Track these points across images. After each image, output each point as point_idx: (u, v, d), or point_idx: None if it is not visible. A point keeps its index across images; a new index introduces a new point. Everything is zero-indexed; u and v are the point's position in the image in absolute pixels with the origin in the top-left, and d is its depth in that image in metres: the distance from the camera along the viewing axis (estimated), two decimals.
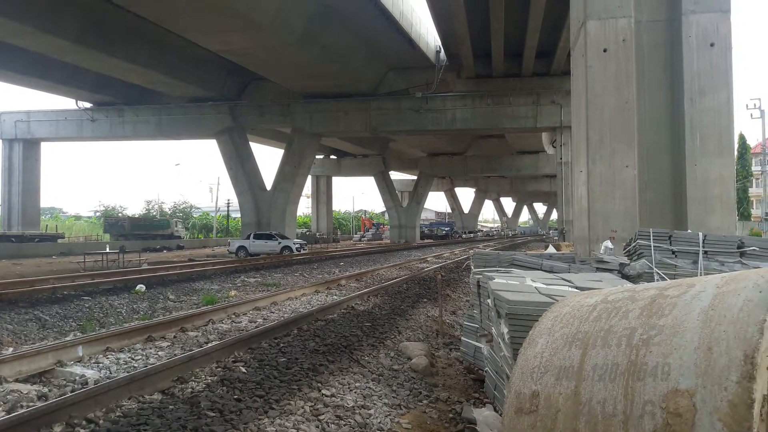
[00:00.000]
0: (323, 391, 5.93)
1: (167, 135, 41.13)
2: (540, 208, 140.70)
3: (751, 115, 41.99)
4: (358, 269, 22.88)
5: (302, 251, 32.48)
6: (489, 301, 5.69)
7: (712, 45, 12.10)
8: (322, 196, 67.38)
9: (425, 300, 13.58)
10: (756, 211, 63.05)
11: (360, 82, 35.04)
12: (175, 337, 9.04)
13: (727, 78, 12.17)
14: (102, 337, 8.12)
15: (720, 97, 12.11)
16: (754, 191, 65.01)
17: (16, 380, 6.36)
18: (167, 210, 76.64)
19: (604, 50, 12.12)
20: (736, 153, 43.42)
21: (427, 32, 33.73)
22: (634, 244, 8.05)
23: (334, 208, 76.33)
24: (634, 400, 2.46)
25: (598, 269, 7.61)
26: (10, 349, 8.19)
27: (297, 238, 37.20)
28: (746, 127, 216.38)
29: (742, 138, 58.06)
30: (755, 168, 62.03)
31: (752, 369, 2.09)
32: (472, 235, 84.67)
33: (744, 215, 54.81)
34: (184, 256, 33.00)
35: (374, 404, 5.77)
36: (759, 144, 50.56)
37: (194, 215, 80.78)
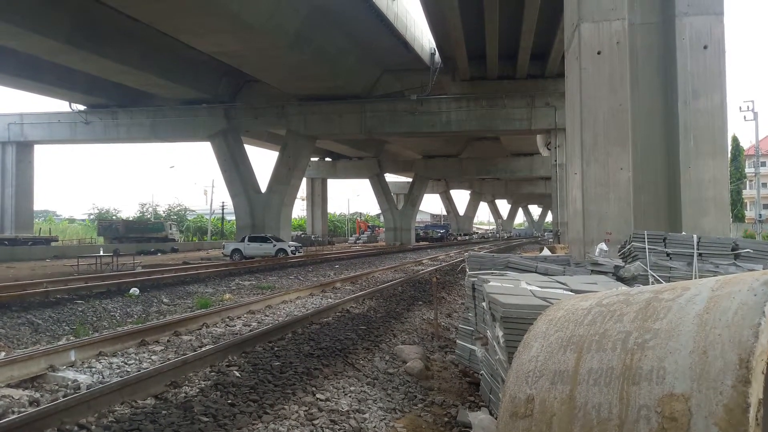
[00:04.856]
0: (318, 396, 5.90)
1: (161, 137, 40.98)
2: (535, 210, 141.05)
3: (745, 117, 42.11)
4: (353, 272, 22.83)
5: (297, 254, 32.42)
6: (484, 304, 5.68)
7: (705, 47, 12.16)
8: (317, 198, 67.35)
9: (420, 303, 13.56)
10: (750, 213, 63.33)
11: (355, 84, 35.02)
12: (168, 341, 8.99)
13: (721, 80, 12.22)
14: (95, 342, 8.06)
15: (713, 99, 12.16)
16: (747, 193, 65.34)
17: (8, 385, 6.30)
18: (161, 213, 76.36)
19: (598, 52, 12.15)
20: (729, 155, 43.59)
21: (421, 34, 33.76)
22: (628, 247, 8.06)
23: (329, 211, 76.30)
24: (629, 404, 2.44)
25: (592, 272, 7.61)
26: (2, 353, 8.11)
27: (292, 241, 37.12)
28: (739, 129, 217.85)
29: (735, 140, 58.39)
30: (749, 170, 62.32)
31: (747, 373, 2.08)
32: (467, 237, 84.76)
33: (738, 217, 55.07)
34: (179, 259, 32.86)
35: (369, 408, 5.74)
36: (752, 146, 50.80)
37: (189, 218, 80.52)
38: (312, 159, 53.98)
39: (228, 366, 6.97)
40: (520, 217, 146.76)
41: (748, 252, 7.46)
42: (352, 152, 58.84)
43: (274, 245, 32.21)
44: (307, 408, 5.52)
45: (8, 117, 42.22)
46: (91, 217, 75.54)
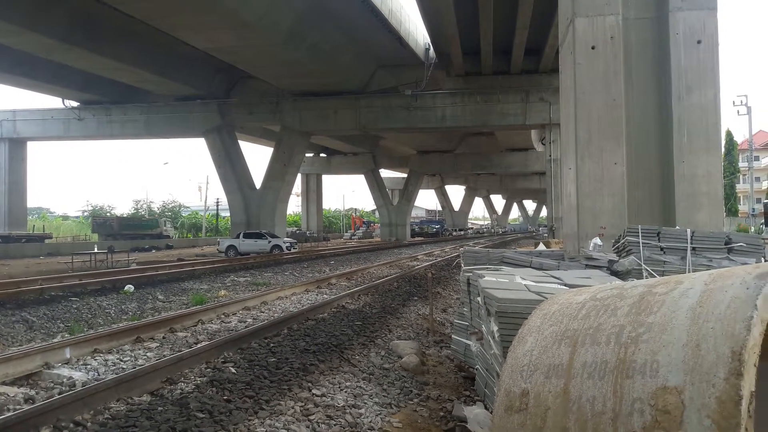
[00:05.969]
0: (314, 391, 5.91)
1: (155, 134, 40.83)
2: (530, 205, 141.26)
3: (738, 112, 42.51)
4: (348, 268, 22.84)
5: (292, 250, 32.39)
6: (479, 299, 5.69)
7: (699, 42, 12.17)
8: (312, 194, 67.28)
9: (416, 298, 13.58)
10: (743, 207, 63.65)
11: (349, 79, 34.96)
12: (164, 337, 8.98)
13: (714, 75, 12.23)
14: (90, 339, 8.05)
15: (707, 94, 12.18)
16: (741, 187, 65.63)
17: (3, 383, 6.28)
18: (156, 209, 76.10)
19: (592, 47, 12.15)
20: (723, 149, 43.85)
21: (416, 30, 33.70)
22: (622, 241, 8.09)
23: (324, 207, 76.24)
24: (623, 397, 2.46)
25: (587, 266, 7.64)
26: None
27: (287, 237, 37.09)
28: (733, 123, 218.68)
29: (729, 134, 58.66)
30: (742, 164, 62.62)
31: (740, 366, 2.09)
32: (462, 232, 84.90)
33: (731, 211, 55.34)
34: (174, 256, 32.79)
35: (365, 403, 5.75)
36: (746, 140, 51.01)
37: (183, 214, 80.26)
38: (307, 155, 53.93)
39: (224, 362, 6.97)
40: (515, 213, 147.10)
41: (741, 246, 7.50)
42: (347, 148, 58.78)
43: (269, 241, 32.18)
44: (303, 403, 5.53)
45: (1, 114, 41.95)
46: (85, 214, 75.25)
